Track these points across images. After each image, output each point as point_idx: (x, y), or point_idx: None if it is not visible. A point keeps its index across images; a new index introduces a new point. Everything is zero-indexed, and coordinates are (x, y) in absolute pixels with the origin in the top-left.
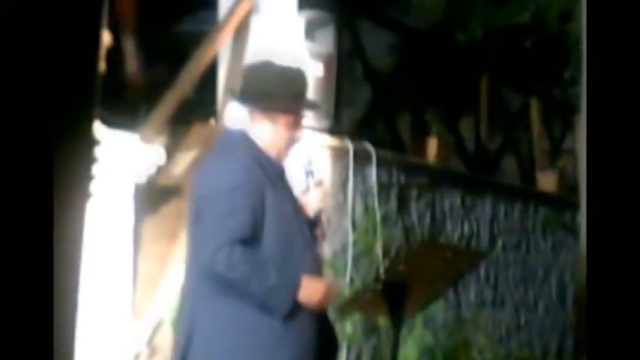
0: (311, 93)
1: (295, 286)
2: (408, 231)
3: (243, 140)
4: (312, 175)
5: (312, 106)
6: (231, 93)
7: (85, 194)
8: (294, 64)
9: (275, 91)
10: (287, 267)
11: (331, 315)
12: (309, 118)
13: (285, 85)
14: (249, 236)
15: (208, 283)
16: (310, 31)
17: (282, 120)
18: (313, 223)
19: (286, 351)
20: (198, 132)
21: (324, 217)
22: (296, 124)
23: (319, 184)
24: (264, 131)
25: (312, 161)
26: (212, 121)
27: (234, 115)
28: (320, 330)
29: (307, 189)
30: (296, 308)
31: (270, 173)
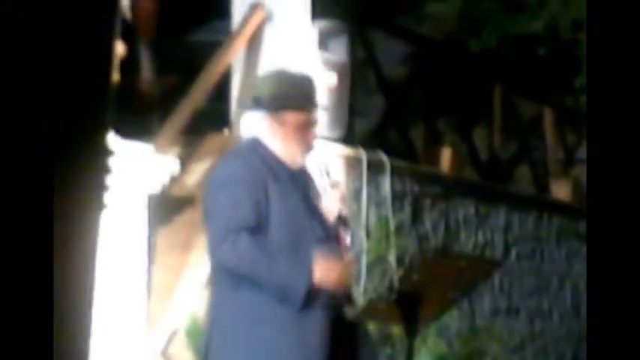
0: (323, 100)
1: (309, 268)
2: (421, 240)
3: (253, 145)
4: (328, 176)
5: (322, 107)
6: (240, 102)
7: (99, 204)
8: (305, 73)
9: (281, 92)
10: (296, 259)
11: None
12: (320, 122)
13: (291, 85)
14: (253, 227)
15: (222, 278)
16: (324, 41)
17: (293, 121)
18: (334, 224)
19: (299, 347)
20: (211, 142)
21: (345, 218)
22: (306, 126)
23: (335, 184)
24: (275, 135)
25: (327, 165)
26: (226, 131)
27: (249, 125)
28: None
29: (324, 191)
30: (312, 297)
31: (278, 173)
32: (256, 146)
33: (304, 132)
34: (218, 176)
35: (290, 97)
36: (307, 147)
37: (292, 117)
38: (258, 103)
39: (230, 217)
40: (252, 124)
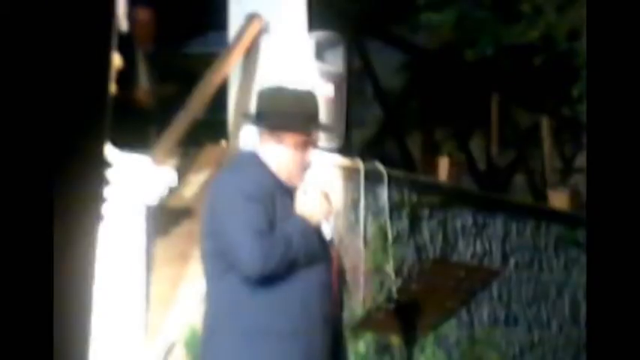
0: (322, 114)
1: (301, 222)
2: (420, 250)
3: (255, 160)
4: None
5: (323, 128)
6: (243, 116)
7: (97, 215)
8: (304, 86)
9: (285, 111)
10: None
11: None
12: (320, 140)
13: (295, 105)
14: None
15: (224, 288)
16: (320, 52)
17: (292, 141)
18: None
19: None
20: (209, 153)
21: (329, 230)
22: (306, 146)
23: (319, 191)
24: (275, 152)
25: (317, 178)
26: (223, 142)
27: (248, 138)
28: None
29: (305, 192)
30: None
31: (277, 188)
32: (257, 161)
33: (302, 152)
34: (225, 190)
35: (291, 116)
36: (306, 165)
37: (291, 137)
38: (257, 119)
39: (248, 228)
40: (251, 138)
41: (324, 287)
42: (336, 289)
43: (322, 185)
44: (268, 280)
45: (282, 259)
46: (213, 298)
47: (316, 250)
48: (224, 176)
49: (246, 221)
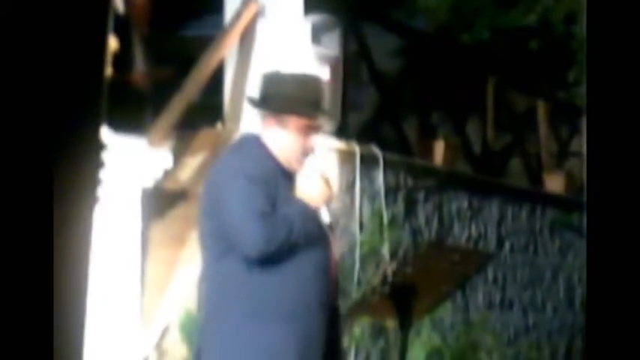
0: (324, 101)
1: (302, 206)
2: (415, 233)
3: (257, 142)
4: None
5: (327, 114)
6: (247, 99)
7: (92, 199)
8: (309, 70)
9: (290, 95)
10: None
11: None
12: (322, 125)
13: (301, 89)
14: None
15: (221, 271)
16: (316, 35)
17: (296, 125)
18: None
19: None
20: (205, 136)
21: (328, 216)
22: (309, 132)
23: (320, 176)
24: (278, 136)
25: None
26: (219, 126)
27: (251, 122)
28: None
29: (306, 176)
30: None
31: (281, 174)
32: (259, 144)
33: (305, 137)
34: (228, 171)
35: (296, 102)
36: (307, 151)
37: (295, 122)
38: (262, 103)
39: (251, 208)
40: (255, 122)
41: (322, 272)
42: (334, 274)
43: (323, 170)
44: (268, 261)
45: (284, 240)
46: (211, 280)
47: (315, 235)
48: (226, 158)
49: (249, 202)
